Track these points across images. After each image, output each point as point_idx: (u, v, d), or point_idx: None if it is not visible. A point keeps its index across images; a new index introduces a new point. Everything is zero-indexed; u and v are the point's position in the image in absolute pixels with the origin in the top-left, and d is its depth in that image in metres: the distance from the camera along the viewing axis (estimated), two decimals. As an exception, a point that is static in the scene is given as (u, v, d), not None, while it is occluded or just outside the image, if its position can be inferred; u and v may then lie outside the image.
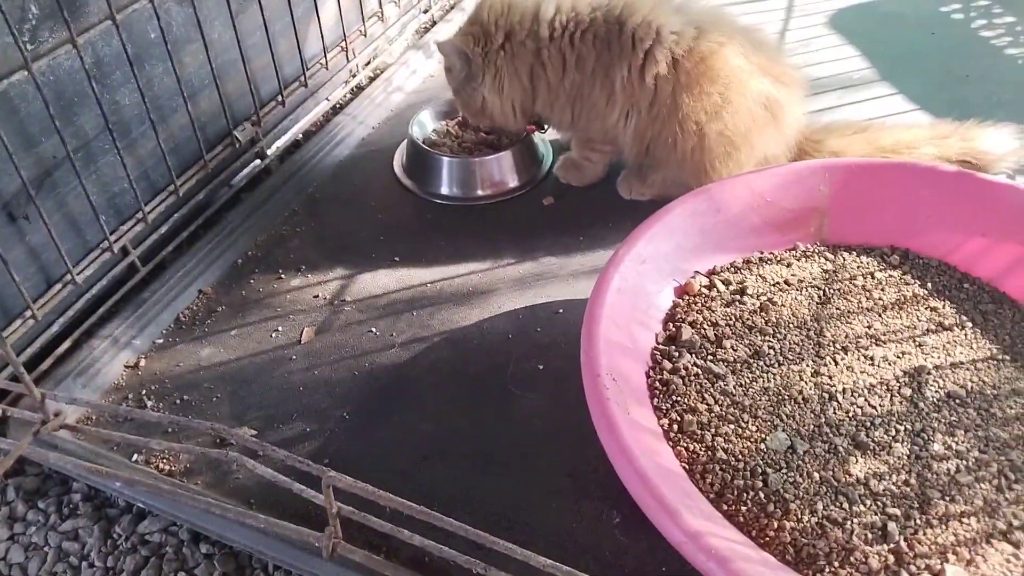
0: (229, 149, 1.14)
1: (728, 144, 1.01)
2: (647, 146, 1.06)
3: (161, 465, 0.82)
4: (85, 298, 0.96)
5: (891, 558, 0.64)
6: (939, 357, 0.80)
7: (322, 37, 1.27)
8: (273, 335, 0.96)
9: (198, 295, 1.02)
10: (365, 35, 1.40)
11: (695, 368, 0.80)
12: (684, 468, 0.72)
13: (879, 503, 0.68)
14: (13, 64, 0.80)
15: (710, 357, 0.81)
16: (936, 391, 0.77)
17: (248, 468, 0.65)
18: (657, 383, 0.79)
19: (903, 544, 0.65)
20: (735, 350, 0.81)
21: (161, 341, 0.96)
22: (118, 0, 0.90)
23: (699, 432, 0.74)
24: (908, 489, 0.69)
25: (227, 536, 0.75)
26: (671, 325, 0.86)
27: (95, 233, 0.96)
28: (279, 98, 1.22)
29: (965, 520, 0.67)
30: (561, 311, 0.98)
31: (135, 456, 0.82)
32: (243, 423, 0.86)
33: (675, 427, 0.75)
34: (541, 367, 0.90)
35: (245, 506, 0.77)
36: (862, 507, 0.67)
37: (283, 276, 1.04)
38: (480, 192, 1.17)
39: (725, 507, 0.68)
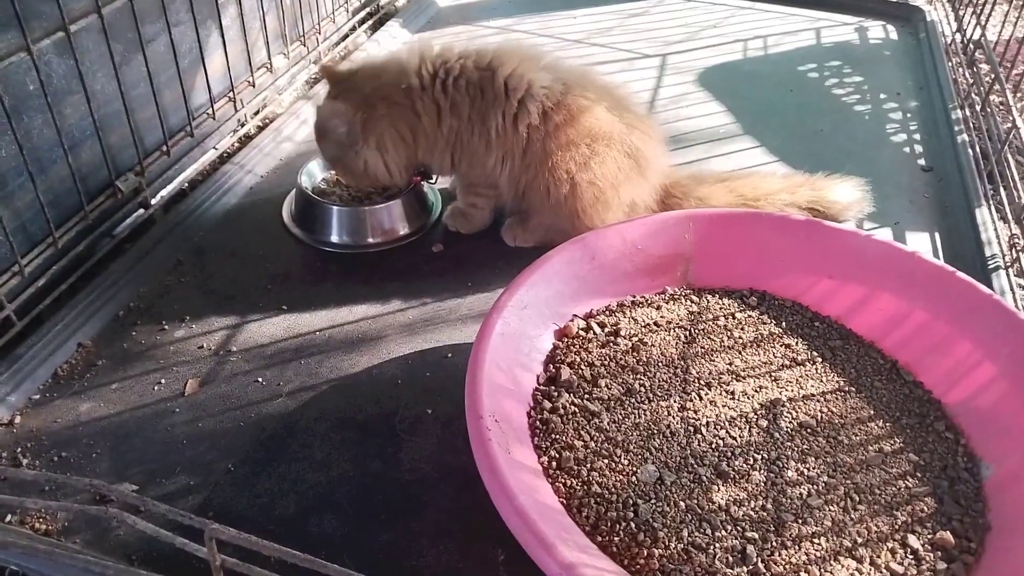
0: (111, 200, 1.13)
1: (597, 191, 1.08)
2: (523, 192, 1.11)
3: (37, 525, 0.79)
4: (-45, 354, 0.92)
5: (750, 578, 0.69)
6: (792, 390, 0.88)
7: (209, 88, 1.28)
8: (156, 388, 0.95)
9: (77, 348, 1.00)
10: (254, 85, 1.42)
11: (572, 407, 0.84)
12: (562, 503, 0.76)
13: (739, 528, 0.73)
14: None
15: (586, 396, 0.86)
16: (790, 421, 0.84)
17: (129, 524, 0.65)
18: (538, 422, 0.84)
19: (760, 565, 0.70)
20: (609, 388, 0.87)
21: (38, 397, 0.93)
22: (-7, 52, 0.89)
23: (576, 468, 0.78)
24: (765, 514, 0.75)
25: (107, 595, 0.73)
26: (551, 366, 0.90)
27: (-34, 287, 0.93)
28: (164, 148, 1.22)
29: (816, 540, 0.73)
30: (450, 355, 1.01)
31: (8, 517, 0.80)
32: (124, 479, 0.84)
33: (554, 464, 0.79)
34: (430, 411, 0.93)
35: (126, 563, 0.76)
36: (723, 532, 0.73)
37: (166, 327, 1.03)
38: (371, 240, 1.20)
39: (600, 538, 0.72)
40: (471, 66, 1.08)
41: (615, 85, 1.15)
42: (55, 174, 1.04)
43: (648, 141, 1.11)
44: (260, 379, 0.97)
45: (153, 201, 1.21)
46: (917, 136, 1.47)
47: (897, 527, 0.76)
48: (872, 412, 0.87)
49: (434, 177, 1.23)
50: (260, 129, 1.44)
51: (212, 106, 1.30)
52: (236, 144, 1.40)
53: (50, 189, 1.03)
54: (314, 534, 0.79)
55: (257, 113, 1.46)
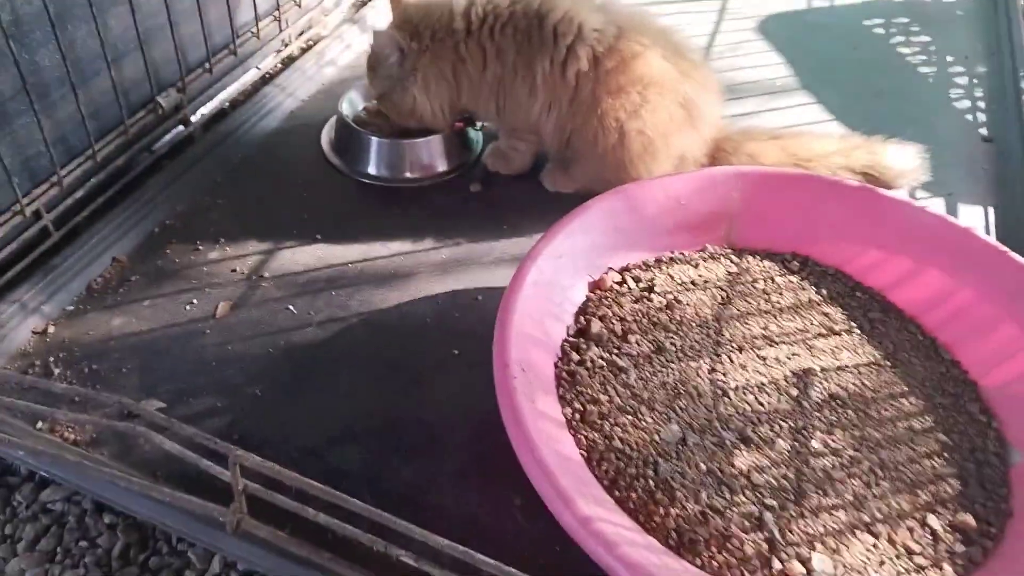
0: (152, 115, 1.12)
1: (646, 141, 1.04)
2: (568, 139, 1.09)
3: (66, 434, 0.81)
4: (-7, 262, 0.94)
5: (764, 545, 0.69)
6: (826, 360, 0.86)
7: (255, 6, 1.26)
8: (187, 308, 0.96)
9: (112, 263, 1.00)
10: (300, 5, 1.39)
11: (600, 361, 0.83)
12: (583, 455, 0.75)
13: (758, 494, 0.73)
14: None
15: (615, 351, 0.85)
16: (820, 392, 0.82)
17: (155, 443, 0.66)
18: (564, 374, 0.83)
19: (776, 533, 0.70)
20: (639, 345, 0.85)
21: (72, 308, 0.95)
22: (40, -43, 0.88)
23: (599, 422, 0.78)
24: (786, 482, 0.74)
25: (131, 508, 0.75)
26: (582, 318, 0.89)
27: (7, 196, 0.94)
28: (207, 65, 1.20)
29: (835, 512, 0.72)
30: (480, 298, 1.00)
31: (39, 424, 0.82)
32: (152, 395, 0.86)
33: (578, 417, 0.79)
34: (456, 352, 0.92)
35: (151, 478, 0.77)
36: (742, 497, 0.72)
37: (201, 248, 1.04)
38: (408, 174, 1.18)
39: (617, 493, 0.72)
40: (520, 12, 1.04)
41: (672, 29, 1.11)
42: (97, 86, 1.03)
43: (703, 91, 1.07)
44: (291, 307, 0.97)
45: (193, 119, 1.20)
46: (981, 104, 1.41)
47: (919, 506, 0.74)
48: (905, 388, 0.85)
49: (478, 124, 1.21)
50: (303, 51, 1.42)
51: (257, 25, 1.28)
52: (279, 65, 1.38)
53: (91, 101, 1.02)
54: (335, 465, 0.80)
55: (302, 34, 1.44)
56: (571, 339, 0.87)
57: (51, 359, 0.88)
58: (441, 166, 1.19)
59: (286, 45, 1.39)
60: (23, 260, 0.96)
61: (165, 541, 0.77)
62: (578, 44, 1.01)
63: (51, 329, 0.92)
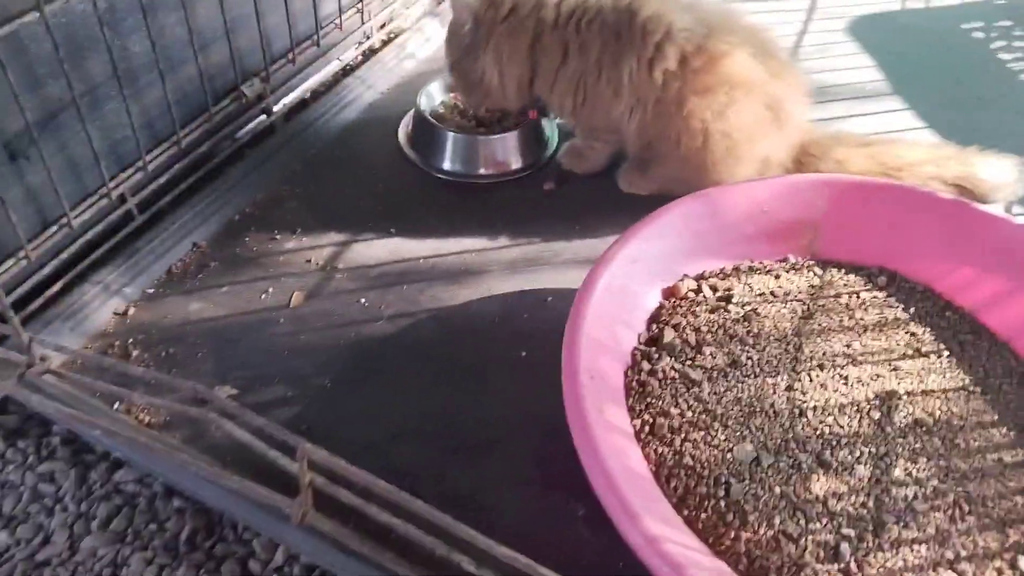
0: (235, 103, 1.14)
1: (731, 144, 1.01)
2: (650, 141, 1.06)
3: (141, 416, 0.83)
4: (79, 243, 0.96)
5: (840, 577, 0.66)
6: (911, 383, 0.82)
7: (339, -2, 1.26)
8: (263, 296, 0.97)
9: (192, 248, 1.03)
10: (382, -2, 1.40)
11: (673, 372, 0.81)
12: (651, 470, 0.73)
13: (835, 523, 0.69)
14: (26, 4, 0.79)
15: (688, 362, 0.82)
16: (904, 417, 0.78)
17: (226, 430, 0.67)
18: (634, 383, 0.81)
19: (853, 565, 0.67)
20: (714, 357, 0.83)
21: (152, 291, 0.97)
22: (134, -53, 0.89)
23: (669, 436, 0.75)
24: (865, 511, 0.71)
25: (199, 494, 0.77)
26: (654, 326, 0.87)
27: (94, 178, 0.96)
28: (290, 56, 1.21)
29: (916, 547, 0.69)
30: (550, 299, 0.99)
31: (116, 404, 0.84)
32: (226, 381, 0.87)
33: (647, 429, 0.77)
34: (523, 354, 0.91)
35: (220, 464, 0.78)
36: (818, 525, 0.69)
37: (278, 237, 1.05)
38: (482, 171, 1.17)
39: (686, 512, 0.70)
40: (609, 7, 1.02)
41: (760, 28, 1.07)
42: (184, 74, 1.05)
43: (791, 93, 1.03)
44: (363, 299, 0.97)
45: (275, 108, 1.22)
46: (1090, 115, 1.32)
47: (1008, 546, 0.70)
48: (996, 417, 0.80)
49: (552, 113, 1.19)
50: (384, 43, 1.42)
51: (340, 16, 1.29)
52: (360, 57, 1.39)
53: (178, 88, 1.04)
54: (397, 462, 0.80)
55: (383, 27, 1.44)
56: (642, 347, 0.85)
57: (130, 341, 0.91)
58: (515, 163, 1.18)
59: (368, 37, 1.40)
60: (108, 242, 0.98)
61: (231, 528, 0.79)
62: (667, 43, 0.99)
63: (131, 311, 0.94)
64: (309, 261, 1.02)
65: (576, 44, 1.03)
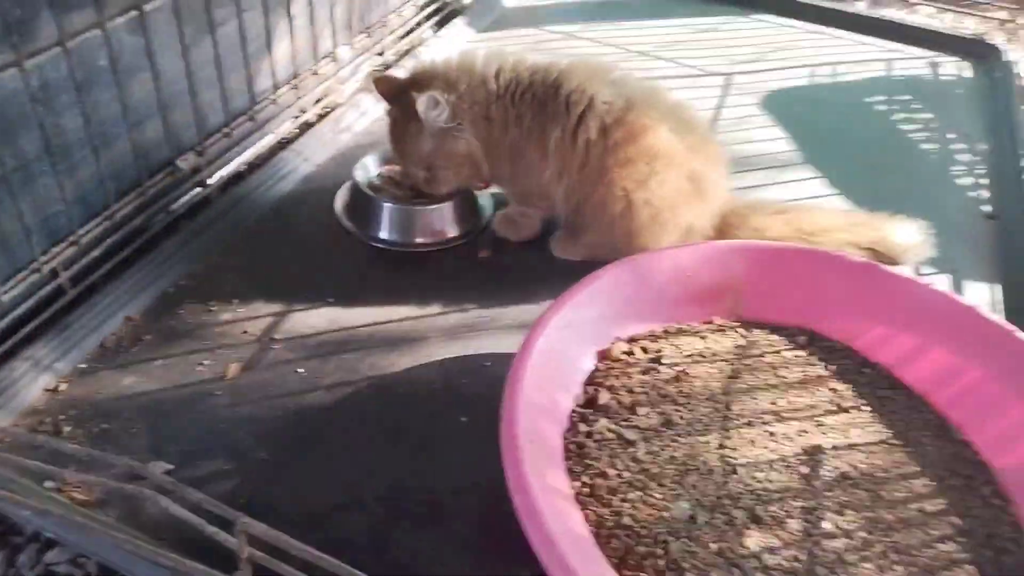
0: (170, 177, 1.14)
1: (654, 212, 1.06)
2: (577, 206, 1.10)
3: (74, 494, 0.81)
4: (9, 318, 0.94)
5: (776, 630, 0.68)
6: (836, 437, 0.86)
7: (273, 74, 1.29)
8: (198, 368, 0.96)
9: (125, 321, 1.01)
10: (317, 74, 1.43)
11: (609, 433, 0.83)
12: (591, 532, 0.75)
13: (769, 576, 0.72)
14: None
15: (624, 423, 0.85)
16: (831, 471, 0.82)
17: (162, 507, 0.66)
18: (572, 445, 0.83)
19: (788, 617, 0.69)
20: (648, 417, 0.85)
21: (84, 366, 0.95)
22: (70, 27, 0.91)
23: (608, 497, 0.77)
24: (798, 565, 0.73)
25: (136, 572, 0.74)
26: (590, 389, 0.90)
27: (25, 253, 0.95)
28: (225, 130, 1.23)
29: (847, 597, 0.72)
30: (489, 364, 1.00)
31: (47, 483, 0.81)
32: (161, 456, 0.85)
33: (586, 491, 0.78)
34: (464, 419, 0.92)
35: (156, 541, 0.76)
36: (753, 579, 0.71)
37: (214, 308, 1.05)
38: (419, 240, 1.20)
39: (626, 572, 0.71)
40: (539, 81, 1.08)
41: (683, 104, 1.14)
42: (118, 148, 1.05)
43: (711, 166, 1.09)
44: (301, 369, 0.97)
45: (211, 181, 1.22)
46: (984, 181, 1.43)
47: (934, 592, 0.74)
48: (917, 469, 0.84)
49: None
50: (320, 118, 1.45)
51: (275, 92, 1.31)
52: (296, 131, 1.41)
53: (112, 163, 1.05)
54: (340, 533, 0.80)
55: (318, 101, 1.47)
56: (579, 410, 0.87)
57: (61, 417, 0.88)
58: (451, 232, 1.21)
59: (303, 112, 1.42)
60: (38, 317, 0.97)
61: (167, 608, 0.76)
62: (588, 114, 1.04)
63: (62, 387, 0.92)
64: (246, 332, 1.02)
65: (513, 114, 1.08)
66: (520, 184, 1.15)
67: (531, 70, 1.09)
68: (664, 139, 1.06)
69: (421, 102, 1.09)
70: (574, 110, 1.05)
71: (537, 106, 1.08)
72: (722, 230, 1.13)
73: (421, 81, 1.11)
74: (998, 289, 1.18)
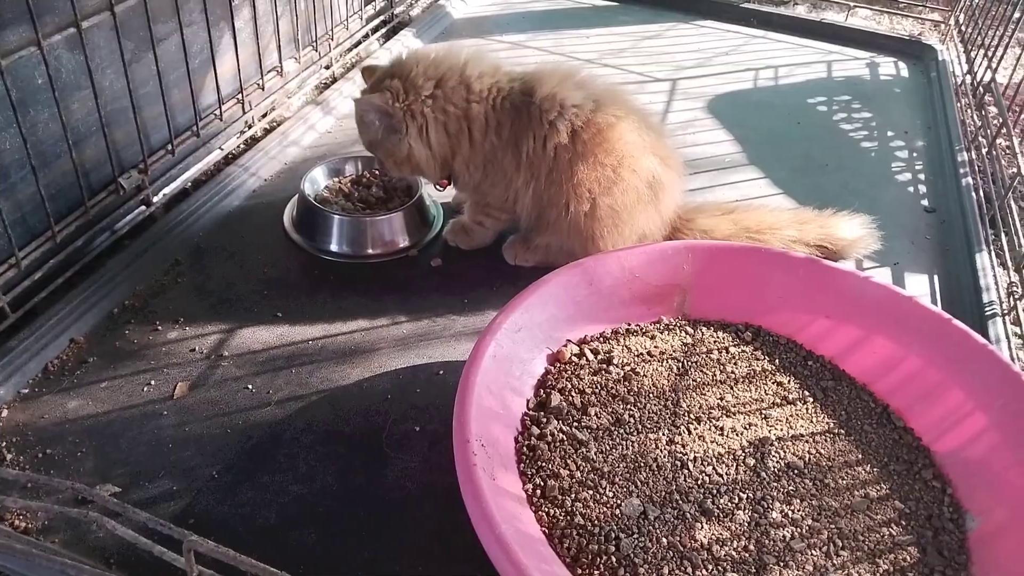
0: (113, 196, 1.13)
1: (615, 217, 1.08)
2: (542, 209, 1.11)
3: (16, 522, 0.79)
4: (-54, 344, 0.92)
5: (728, 620, 0.69)
6: (782, 429, 0.88)
7: (218, 89, 1.28)
8: (145, 388, 0.95)
9: (69, 344, 0.99)
10: (263, 88, 1.42)
11: (560, 434, 0.84)
12: (544, 532, 0.75)
13: (720, 567, 0.73)
14: None
15: (575, 424, 0.85)
16: (777, 461, 0.84)
17: (108, 529, 0.65)
18: (525, 448, 0.83)
19: (739, 607, 0.70)
20: (599, 417, 0.86)
21: (26, 391, 0.93)
22: (5, 45, 0.89)
23: (560, 497, 0.78)
24: (747, 555, 0.74)
25: (82, 598, 0.73)
26: (542, 391, 0.90)
27: (-38, 278, 0.93)
28: (169, 147, 1.22)
29: (796, 584, 0.73)
30: (441, 372, 1.00)
31: (-12, 512, 0.79)
32: (108, 479, 0.84)
33: (538, 492, 0.79)
34: (417, 428, 0.92)
35: (104, 565, 0.75)
36: (704, 571, 0.72)
37: (160, 328, 1.03)
38: (370, 250, 1.20)
39: (580, 571, 0.72)
40: (517, 89, 1.08)
41: (644, 108, 1.15)
42: (58, 168, 1.04)
43: (669, 172, 1.11)
44: (250, 386, 0.96)
45: (155, 199, 1.21)
46: (922, 176, 1.47)
47: (880, 575, 0.75)
48: (860, 456, 0.86)
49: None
50: (267, 132, 1.44)
51: (220, 107, 1.30)
52: (242, 146, 1.40)
53: (52, 183, 1.03)
54: (294, 547, 0.79)
55: (265, 116, 1.46)
56: (531, 412, 0.88)
57: (3, 444, 0.86)
58: (402, 242, 1.21)
59: (249, 127, 1.42)
60: (-23, 343, 0.95)
61: (116, 632, 0.75)
62: (559, 120, 1.05)
63: (4, 413, 0.90)
64: (193, 350, 1.00)
65: (494, 121, 1.08)
66: (488, 193, 1.15)
67: (510, 78, 1.10)
68: (629, 140, 1.07)
69: (359, 103, 1.09)
70: (546, 117, 1.06)
71: (514, 115, 1.08)
72: (671, 233, 1.15)
73: (395, 75, 1.09)
74: (936, 279, 1.21)
